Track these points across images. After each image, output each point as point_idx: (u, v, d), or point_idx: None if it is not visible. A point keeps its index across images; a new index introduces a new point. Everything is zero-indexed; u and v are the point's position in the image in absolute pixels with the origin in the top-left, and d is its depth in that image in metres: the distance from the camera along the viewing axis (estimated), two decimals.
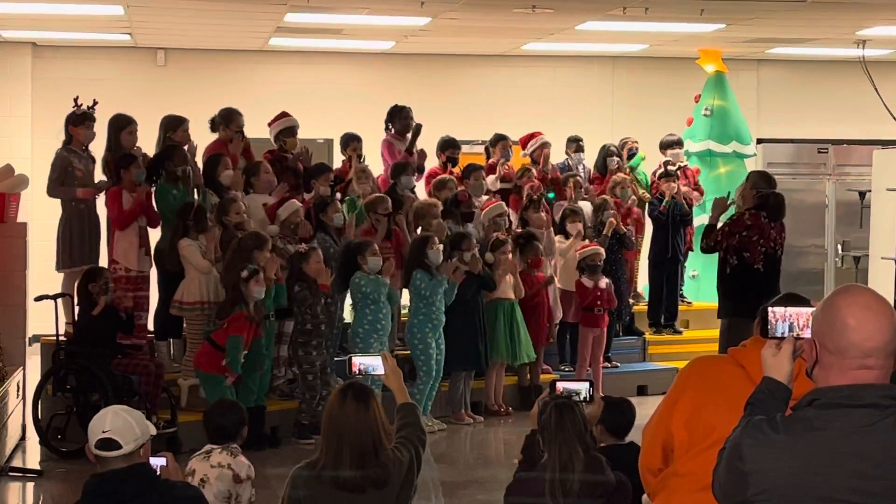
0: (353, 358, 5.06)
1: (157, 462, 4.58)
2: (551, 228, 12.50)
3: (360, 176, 11.72)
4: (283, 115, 11.71)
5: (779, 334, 3.31)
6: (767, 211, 9.97)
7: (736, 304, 9.89)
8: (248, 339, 9.93)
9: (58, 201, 10.72)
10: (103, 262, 10.76)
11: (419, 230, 11.67)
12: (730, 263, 9.95)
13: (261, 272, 9.89)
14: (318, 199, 11.08)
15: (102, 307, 9.81)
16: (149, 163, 10.65)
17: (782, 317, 3.32)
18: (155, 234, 10.80)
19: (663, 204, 13.23)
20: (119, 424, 4.36)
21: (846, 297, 3.18)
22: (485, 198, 12.38)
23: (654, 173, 13.88)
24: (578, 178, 13.16)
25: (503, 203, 12.31)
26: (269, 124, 11.69)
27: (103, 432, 4.35)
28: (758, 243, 9.83)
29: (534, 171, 12.84)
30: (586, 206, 12.89)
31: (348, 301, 11.24)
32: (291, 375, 10.82)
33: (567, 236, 12.42)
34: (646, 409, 5.90)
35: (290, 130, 11.62)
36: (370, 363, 5.03)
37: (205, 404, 10.28)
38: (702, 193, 13.90)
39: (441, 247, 10.97)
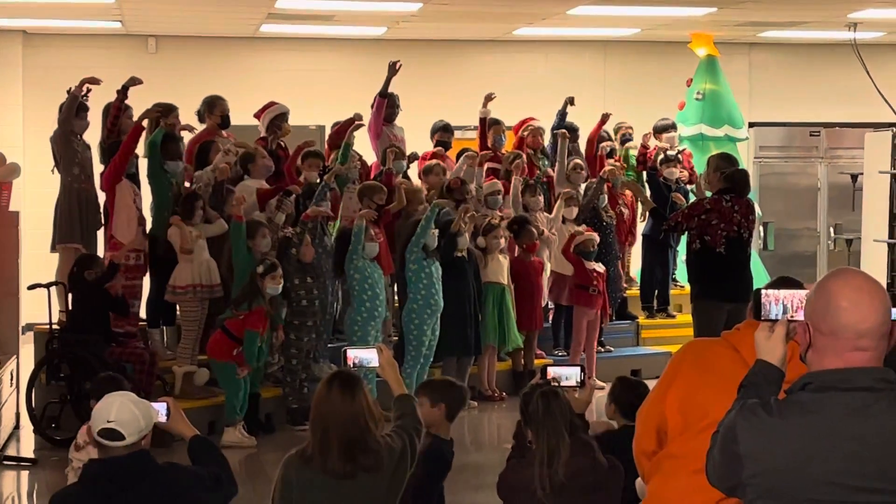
0: (348, 351, 5.06)
1: (159, 407, 4.59)
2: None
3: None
4: (271, 103, 11.68)
5: (772, 317, 3.32)
6: (735, 188, 9.96)
7: (700, 287, 10.07)
8: (261, 333, 10.01)
9: (54, 190, 10.69)
10: (98, 250, 10.76)
11: (404, 215, 11.66)
12: (693, 248, 10.03)
13: (279, 268, 9.93)
14: (307, 186, 11.06)
15: (93, 289, 9.80)
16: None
17: (776, 299, 3.32)
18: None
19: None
20: (125, 417, 4.35)
21: (838, 280, 3.19)
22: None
23: (642, 155, 13.86)
24: (576, 162, 13.18)
25: (498, 181, 12.31)
26: (257, 115, 11.65)
27: (108, 422, 4.35)
28: (718, 227, 9.83)
29: (524, 156, 12.82)
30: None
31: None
32: (284, 362, 10.83)
33: (563, 221, 12.46)
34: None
35: (283, 116, 11.62)
36: (365, 356, 5.04)
37: (200, 392, 10.35)
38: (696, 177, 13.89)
39: (437, 231, 10.98)
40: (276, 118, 11.58)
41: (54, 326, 10.13)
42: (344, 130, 11.69)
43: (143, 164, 10.85)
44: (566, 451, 5.12)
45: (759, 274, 12.65)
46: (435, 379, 7.11)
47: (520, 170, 12.48)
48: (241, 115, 11.77)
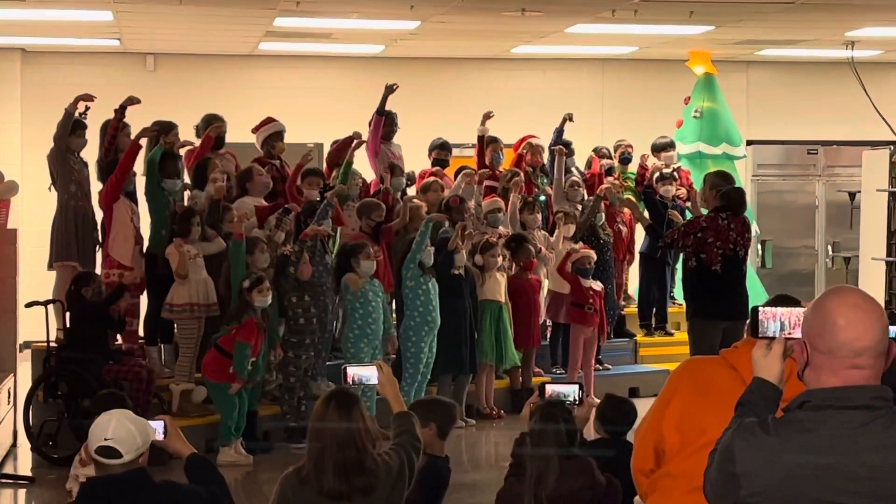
0: (348, 368, 5.06)
1: (156, 425, 4.58)
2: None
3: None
4: (269, 120, 11.71)
5: (770, 334, 3.31)
6: (730, 206, 9.96)
7: (696, 306, 10.05)
8: (255, 347, 9.96)
9: (52, 208, 10.69)
10: (95, 268, 10.75)
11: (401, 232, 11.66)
12: (689, 266, 10.03)
13: (265, 281, 9.92)
14: (307, 204, 11.06)
15: (91, 307, 9.79)
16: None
17: (773, 317, 3.32)
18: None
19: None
20: (122, 434, 4.34)
21: (836, 298, 3.18)
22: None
23: (641, 175, 13.87)
24: (574, 179, 13.18)
25: (500, 199, 12.32)
26: (254, 130, 11.67)
27: (105, 439, 4.34)
28: (714, 245, 9.82)
29: (521, 174, 12.82)
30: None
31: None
32: (282, 380, 10.81)
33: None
34: (637, 411, 5.92)
35: (278, 135, 11.63)
36: (364, 373, 5.03)
37: (197, 410, 10.32)
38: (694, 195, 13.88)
39: (433, 248, 10.99)
40: (270, 136, 11.59)
41: (52, 344, 10.11)
42: (343, 148, 11.70)
43: (140, 182, 10.86)
44: (555, 471, 5.11)
45: (757, 292, 12.65)
46: (421, 399, 7.09)
47: (517, 187, 12.49)
48: (240, 132, 11.76)
